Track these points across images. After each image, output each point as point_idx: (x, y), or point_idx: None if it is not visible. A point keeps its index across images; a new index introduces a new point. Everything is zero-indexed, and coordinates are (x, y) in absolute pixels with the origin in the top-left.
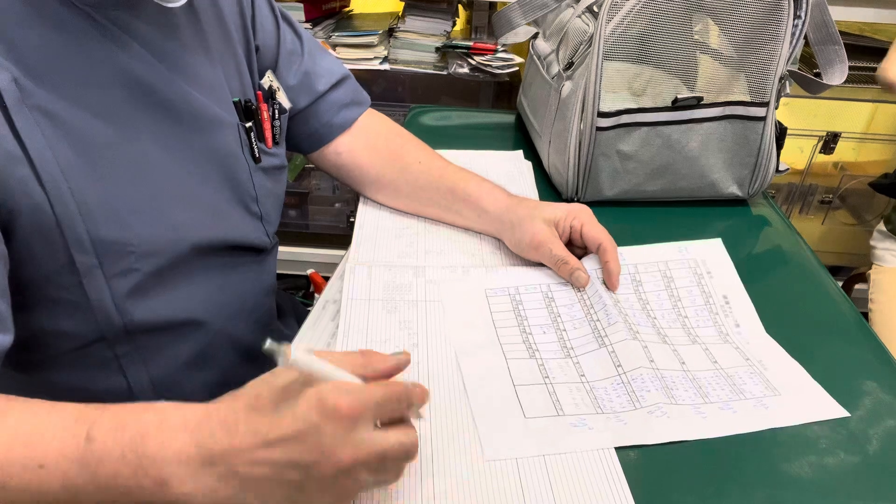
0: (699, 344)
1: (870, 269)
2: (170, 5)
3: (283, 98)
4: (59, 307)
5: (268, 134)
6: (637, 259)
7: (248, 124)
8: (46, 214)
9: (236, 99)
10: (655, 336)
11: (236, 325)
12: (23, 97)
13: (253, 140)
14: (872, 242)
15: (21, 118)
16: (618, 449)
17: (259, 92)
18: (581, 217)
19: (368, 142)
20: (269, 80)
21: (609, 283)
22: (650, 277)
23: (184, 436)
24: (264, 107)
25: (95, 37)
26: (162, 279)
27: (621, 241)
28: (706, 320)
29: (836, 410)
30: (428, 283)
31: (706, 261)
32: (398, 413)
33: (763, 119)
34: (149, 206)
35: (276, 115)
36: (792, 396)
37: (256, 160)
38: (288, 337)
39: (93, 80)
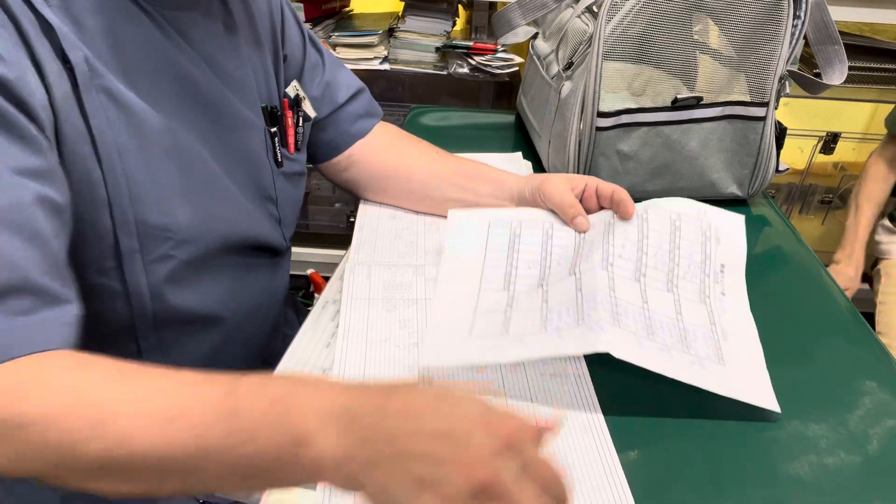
0: (672, 293)
1: (876, 265)
2: None
3: (308, 107)
4: (94, 293)
5: (290, 140)
6: (652, 204)
7: (273, 129)
8: (100, 193)
9: (264, 104)
10: (630, 273)
11: (251, 325)
12: (91, 77)
13: (276, 145)
14: (878, 238)
15: (89, 97)
16: (618, 449)
17: (285, 99)
18: (597, 179)
19: (381, 145)
20: (294, 88)
21: (621, 212)
22: (657, 217)
23: (333, 394)
24: (289, 113)
25: (153, 30)
26: (193, 270)
27: None
28: (693, 276)
29: (768, 401)
30: (428, 281)
31: (719, 227)
32: (541, 475)
33: (763, 119)
34: (188, 194)
35: (300, 123)
36: (734, 371)
37: (279, 164)
38: (289, 337)
39: (148, 69)
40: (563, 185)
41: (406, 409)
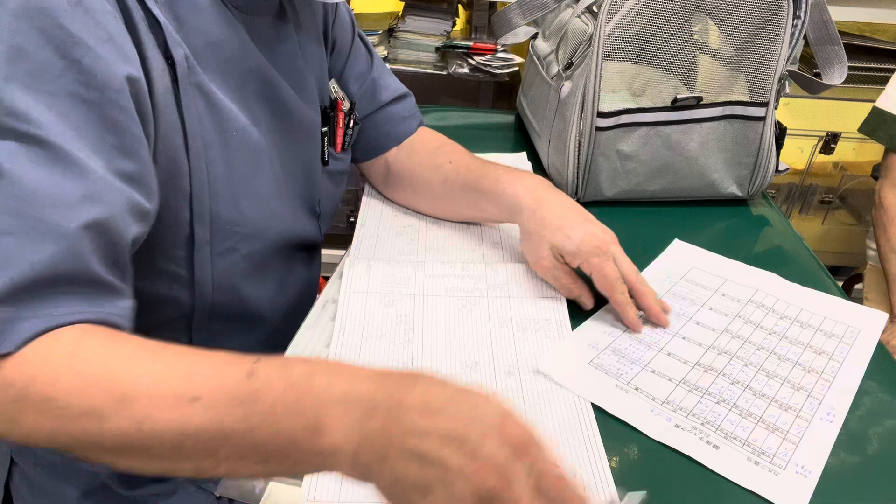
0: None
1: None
2: (331, 1)
3: (344, 106)
4: (160, 279)
5: (339, 140)
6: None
7: (325, 129)
8: (184, 185)
9: (320, 105)
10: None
11: (288, 324)
12: (189, 74)
13: (325, 144)
14: (869, 242)
15: (186, 92)
16: (613, 448)
17: (339, 100)
18: (591, 263)
19: (414, 149)
20: (332, 89)
21: (655, 319)
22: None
23: (351, 382)
24: (341, 115)
25: (243, 34)
26: (251, 264)
27: (622, 241)
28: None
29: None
30: (427, 277)
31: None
32: (552, 486)
33: (763, 119)
34: (257, 192)
35: (351, 125)
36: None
37: (325, 163)
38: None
39: (236, 71)
40: (554, 268)
41: (424, 404)
